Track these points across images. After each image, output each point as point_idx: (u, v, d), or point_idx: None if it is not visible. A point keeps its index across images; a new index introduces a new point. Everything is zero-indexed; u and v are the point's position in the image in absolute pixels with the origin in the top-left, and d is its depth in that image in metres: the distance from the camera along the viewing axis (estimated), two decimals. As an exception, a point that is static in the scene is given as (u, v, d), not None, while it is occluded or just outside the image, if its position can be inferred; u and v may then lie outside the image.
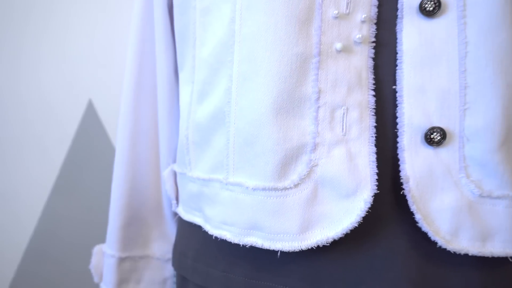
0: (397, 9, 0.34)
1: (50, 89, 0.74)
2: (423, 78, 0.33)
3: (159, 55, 0.47)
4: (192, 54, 0.41)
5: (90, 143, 0.74)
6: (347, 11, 0.33)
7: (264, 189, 0.33)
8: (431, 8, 0.33)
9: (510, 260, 0.34)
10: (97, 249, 0.54)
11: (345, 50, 0.33)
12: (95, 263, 0.54)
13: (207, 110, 0.37)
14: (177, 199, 0.46)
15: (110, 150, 0.73)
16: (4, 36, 0.73)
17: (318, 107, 0.32)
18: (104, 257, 0.52)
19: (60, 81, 0.74)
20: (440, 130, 0.32)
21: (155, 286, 0.53)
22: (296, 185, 0.32)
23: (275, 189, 0.32)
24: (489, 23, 0.33)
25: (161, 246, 0.53)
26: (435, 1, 0.33)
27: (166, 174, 0.46)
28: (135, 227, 0.51)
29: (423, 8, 0.33)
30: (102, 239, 0.53)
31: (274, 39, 0.32)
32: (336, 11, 0.33)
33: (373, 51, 0.33)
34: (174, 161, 0.49)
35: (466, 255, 0.33)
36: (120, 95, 0.53)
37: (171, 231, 0.52)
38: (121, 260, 0.51)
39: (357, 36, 0.33)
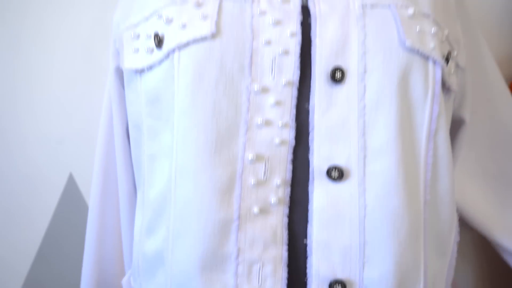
0: (309, 173, 0.39)
1: (34, 163, 0.80)
2: (329, 235, 0.39)
3: (120, 172, 0.53)
4: (142, 189, 0.47)
5: (71, 214, 0.80)
6: (264, 178, 0.39)
7: None
8: (336, 175, 0.39)
9: None
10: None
11: (262, 212, 0.39)
12: None
13: (153, 247, 0.43)
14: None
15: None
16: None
17: (238, 263, 0.38)
18: None
19: (43, 155, 0.80)
20: (342, 283, 0.38)
21: None
22: None
23: None
24: (384, 190, 0.38)
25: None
26: (338, 170, 0.38)
27: (124, 282, 0.52)
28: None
29: (329, 174, 0.39)
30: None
31: (200, 207, 0.38)
32: (254, 180, 0.38)
33: (287, 210, 0.39)
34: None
35: None
36: None
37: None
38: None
39: (273, 200, 0.39)
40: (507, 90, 0.57)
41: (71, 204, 0.81)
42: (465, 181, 0.55)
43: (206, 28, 0.39)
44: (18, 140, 0.80)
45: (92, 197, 0.56)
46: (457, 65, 0.48)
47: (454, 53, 0.46)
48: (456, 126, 0.54)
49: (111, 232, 0.56)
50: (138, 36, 0.44)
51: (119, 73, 0.50)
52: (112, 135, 0.54)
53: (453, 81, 0.46)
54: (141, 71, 0.44)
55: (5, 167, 0.81)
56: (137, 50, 0.44)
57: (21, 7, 0.78)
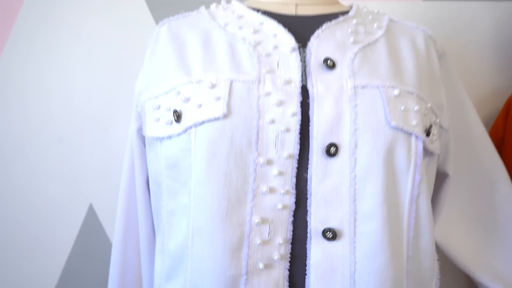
0: (307, 233, 0.46)
1: (55, 194, 0.87)
2: (323, 286, 0.45)
3: (140, 218, 0.60)
4: (162, 238, 0.53)
5: (91, 242, 0.87)
6: (269, 238, 0.45)
7: None
8: (330, 236, 0.45)
9: None
10: None
11: (267, 267, 0.45)
12: None
13: (171, 292, 0.50)
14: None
15: (108, 249, 0.86)
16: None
17: None
18: None
19: (65, 187, 0.87)
20: None
21: None
22: None
23: None
24: (371, 249, 0.45)
25: None
26: (332, 231, 0.45)
27: None
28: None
29: (325, 234, 0.45)
30: None
31: (214, 264, 0.45)
32: (260, 240, 0.45)
33: (288, 264, 0.46)
34: None
35: None
36: (116, 200, 0.67)
37: None
38: None
39: (276, 257, 0.45)
40: (489, 143, 0.63)
41: (91, 233, 0.88)
42: (450, 226, 0.61)
43: (219, 109, 0.46)
44: (44, 173, 0.87)
45: (115, 237, 0.63)
46: (440, 127, 0.55)
47: (437, 120, 0.52)
48: (441, 178, 0.60)
49: (132, 267, 0.63)
50: (158, 107, 0.51)
51: (140, 133, 0.57)
52: (133, 183, 0.61)
53: (435, 147, 0.52)
54: (161, 139, 0.50)
55: (32, 196, 0.88)
56: (157, 120, 0.51)
57: (45, 43, 0.85)
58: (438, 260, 0.55)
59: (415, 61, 0.53)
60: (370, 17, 0.57)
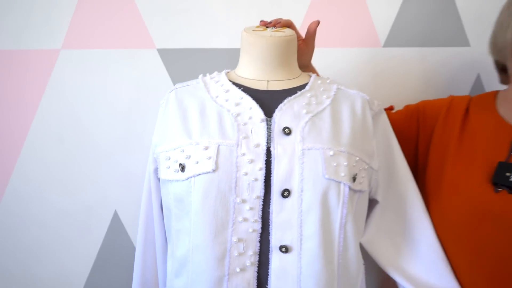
0: (269, 247, 0.68)
1: (86, 200, 1.11)
2: (279, 284, 0.67)
3: (156, 230, 0.83)
4: (172, 246, 0.76)
5: (115, 244, 1.11)
6: (243, 251, 0.68)
7: None
8: (284, 250, 0.67)
9: None
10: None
11: (242, 270, 0.68)
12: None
13: (179, 284, 0.73)
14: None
15: (130, 248, 1.10)
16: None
17: None
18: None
19: (91, 197, 1.10)
20: None
21: None
22: None
23: None
24: (311, 259, 0.68)
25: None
26: (286, 247, 0.67)
27: None
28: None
29: (281, 249, 0.67)
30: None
31: (206, 268, 0.67)
32: (237, 252, 0.67)
33: (257, 269, 0.68)
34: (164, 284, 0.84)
35: None
36: (138, 209, 0.90)
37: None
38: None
39: (248, 263, 0.68)
40: (410, 177, 0.83)
41: (116, 236, 1.12)
42: (378, 237, 0.83)
43: (210, 166, 0.68)
44: (78, 183, 1.10)
45: (138, 244, 0.87)
46: (371, 168, 0.76)
47: (365, 166, 0.74)
48: (374, 203, 0.82)
49: (150, 267, 0.87)
50: (169, 158, 0.73)
51: (156, 172, 0.80)
52: (150, 206, 0.84)
53: (363, 186, 0.73)
54: (171, 181, 0.73)
55: (67, 204, 1.11)
56: (168, 167, 0.73)
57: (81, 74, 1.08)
58: (364, 264, 0.77)
59: (351, 123, 0.75)
60: (322, 88, 0.78)
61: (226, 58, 1.09)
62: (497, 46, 0.83)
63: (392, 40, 1.12)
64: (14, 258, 1.12)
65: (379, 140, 0.79)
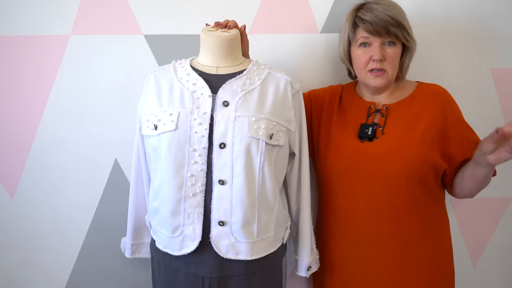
0: (212, 181, 1.04)
1: (92, 152, 1.46)
2: (219, 204, 1.04)
3: (143, 170, 1.19)
4: (151, 181, 1.13)
5: (117, 182, 1.48)
6: (195, 183, 1.04)
7: (167, 236, 1.06)
8: (222, 183, 1.03)
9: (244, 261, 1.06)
10: (122, 240, 1.32)
11: (194, 195, 1.04)
12: (123, 245, 1.32)
13: (155, 205, 1.10)
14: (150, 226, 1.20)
15: (128, 185, 1.47)
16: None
17: (184, 213, 1.04)
18: (126, 243, 1.29)
19: (96, 149, 1.46)
20: (223, 222, 1.04)
21: (146, 255, 1.30)
22: (178, 236, 1.05)
23: (171, 237, 1.05)
24: (239, 189, 1.04)
25: (148, 239, 1.29)
26: (223, 181, 1.03)
27: (146, 218, 1.20)
28: (138, 231, 1.28)
29: (219, 182, 1.03)
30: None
31: (170, 193, 1.04)
32: (190, 183, 1.03)
33: (204, 195, 1.04)
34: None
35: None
36: (131, 157, 1.27)
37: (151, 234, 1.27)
38: (132, 245, 1.28)
39: (198, 191, 1.04)
40: (306, 140, 1.19)
41: (117, 177, 1.47)
42: (290, 181, 1.20)
43: (172, 126, 1.02)
44: (84, 139, 1.46)
45: (131, 180, 1.24)
46: (289, 130, 1.10)
47: (283, 128, 1.07)
48: (293, 155, 1.16)
49: (140, 196, 1.25)
50: (148, 120, 1.08)
51: (140, 130, 1.14)
52: (139, 153, 1.20)
53: (280, 141, 1.07)
54: (148, 136, 1.07)
55: (65, 153, 1.47)
56: (147, 126, 1.08)
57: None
58: (280, 193, 1.13)
59: (274, 98, 1.08)
60: (255, 73, 1.10)
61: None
62: (341, 58, 1.29)
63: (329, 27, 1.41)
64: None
65: (296, 112, 1.12)
